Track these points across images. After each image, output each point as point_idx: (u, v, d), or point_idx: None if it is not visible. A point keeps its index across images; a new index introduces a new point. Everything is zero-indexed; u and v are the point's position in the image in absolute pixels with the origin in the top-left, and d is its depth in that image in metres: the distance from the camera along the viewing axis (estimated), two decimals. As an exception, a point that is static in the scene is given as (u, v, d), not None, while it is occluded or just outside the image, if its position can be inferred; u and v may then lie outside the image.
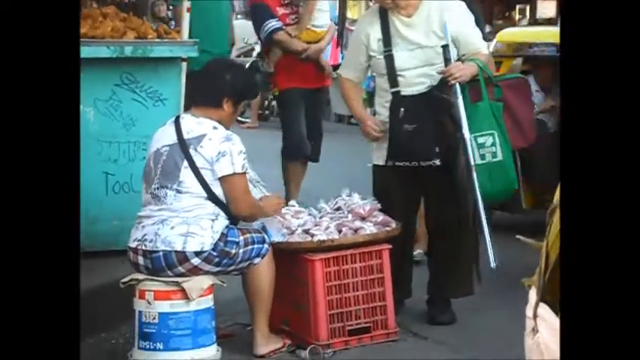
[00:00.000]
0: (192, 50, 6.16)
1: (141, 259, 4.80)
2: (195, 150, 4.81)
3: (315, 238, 5.07)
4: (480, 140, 5.28)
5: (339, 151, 8.82)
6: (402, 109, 5.29)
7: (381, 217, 5.26)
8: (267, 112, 15.43)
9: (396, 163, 5.36)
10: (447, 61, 5.23)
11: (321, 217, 5.29)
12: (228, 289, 5.01)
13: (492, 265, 5.14)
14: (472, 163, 5.19)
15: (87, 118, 5.87)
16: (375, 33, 5.39)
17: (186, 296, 4.71)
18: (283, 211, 5.27)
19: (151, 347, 4.72)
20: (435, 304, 5.56)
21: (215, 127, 4.87)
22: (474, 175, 5.19)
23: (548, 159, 6.61)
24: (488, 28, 8.83)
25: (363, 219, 5.22)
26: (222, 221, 4.83)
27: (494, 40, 7.68)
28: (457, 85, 5.22)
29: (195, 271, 4.76)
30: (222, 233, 4.81)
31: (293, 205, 5.43)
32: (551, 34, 7.70)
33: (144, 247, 4.78)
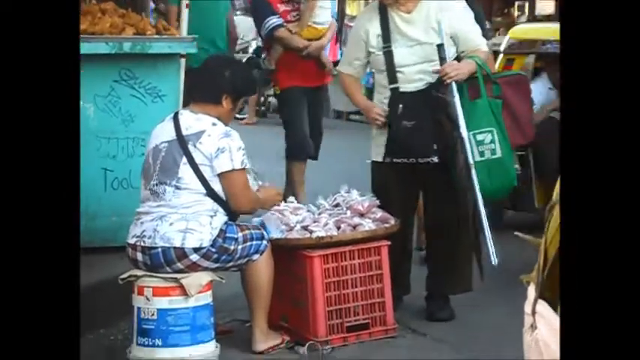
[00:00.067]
0: (190, 46, 6.16)
1: (139, 256, 4.80)
2: (194, 146, 4.81)
3: (314, 235, 5.07)
4: (479, 137, 5.28)
5: (338, 147, 8.82)
6: (401, 106, 5.30)
7: (379, 213, 5.26)
8: (263, 107, 15.42)
9: (394, 160, 5.37)
10: (442, 60, 5.23)
11: (319, 214, 5.29)
12: (227, 285, 5.02)
13: (493, 262, 5.15)
14: (471, 161, 5.19)
15: (86, 114, 5.87)
16: (375, 29, 5.39)
17: (184, 292, 4.71)
18: (282, 207, 5.28)
19: (150, 343, 4.72)
20: (434, 300, 5.56)
21: (214, 124, 4.87)
22: (474, 173, 5.19)
23: None
24: (487, 25, 8.80)
25: (361, 215, 5.22)
26: (221, 217, 4.84)
27: (507, 37, 7.64)
28: (453, 84, 5.22)
29: (194, 267, 4.76)
30: (221, 229, 4.81)
31: (292, 202, 5.43)
32: None
33: (142, 244, 4.78)
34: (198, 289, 4.74)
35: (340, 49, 11.67)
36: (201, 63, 5.44)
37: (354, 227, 5.15)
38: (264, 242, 4.93)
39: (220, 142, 4.81)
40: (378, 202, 5.32)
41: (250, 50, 13.86)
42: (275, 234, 5.05)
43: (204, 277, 4.78)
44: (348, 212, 5.25)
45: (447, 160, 5.25)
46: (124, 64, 5.97)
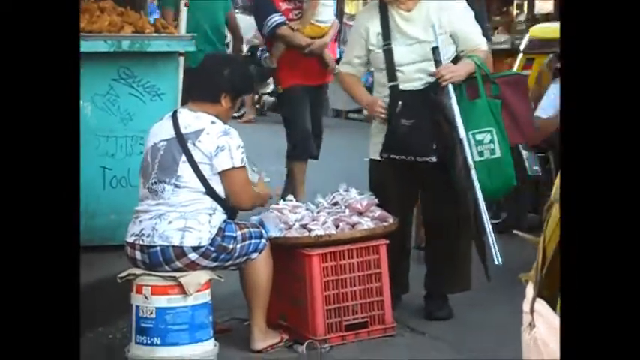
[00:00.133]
0: (189, 45, 6.17)
1: (138, 254, 4.80)
2: (194, 144, 4.81)
3: (313, 233, 5.08)
4: (479, 137, 5.28)
5: (337, 146, 8.83)
6: (400, 103, 5.29)
7: (378, 212, 5.26)
8: (257, 105, 15.40)
9: (392, 156, 5.36)
10: (437, 62, 5.22)
11: (318, 212, 5.29)
12: (226, 283, 5.02)
13: (496, 262, 5.14)
14: (470, 162, 5.19)
15: (84, 112, 5.88)
16: (375, 27, 5.39)
17: (183, 291, 4.71)
18: (281, 206, 5.28)
19: (148, 342, 4.72)
20: (433, 299, 5.57)
21: (213, 122, 4.87)
22: (473, 174, 5.18)
23: None
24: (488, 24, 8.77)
25: (360, 214, 5.23)
26: (220, 216, 4.84)
27: (526, 36, 7.61)
28: (450, 86, 5.21)
29: (193, 265, 4.76)
30: (220, 228, 4.81)
31: (290, 200, 5.43)
32: None
33: (141, 242, 4.79)
34: (197, 288, 4.74)
35: (339, 48, 11.66)
36: (197, 62, 5.45)
37: (353, 226, 5.15)
38: (263, 241, 4.93)
39: (219, 140, 4.81)
40: (376, 200, 5.33)
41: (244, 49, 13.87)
42: (274, 232, 5.06)
43: (202, 276, 4.78)
44: (347, 211, 5.25)
45: (446, 161, 5.25)
46: (123, 62, 5.97)
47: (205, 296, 4.80)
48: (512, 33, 13.98)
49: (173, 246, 4.73)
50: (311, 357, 4.92)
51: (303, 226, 5.13)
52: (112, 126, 5.97)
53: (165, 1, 7.65)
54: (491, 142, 5.30)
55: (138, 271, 4.80)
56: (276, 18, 7.13)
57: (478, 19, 5.66)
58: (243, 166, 4.90)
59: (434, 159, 5.28)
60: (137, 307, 4.76)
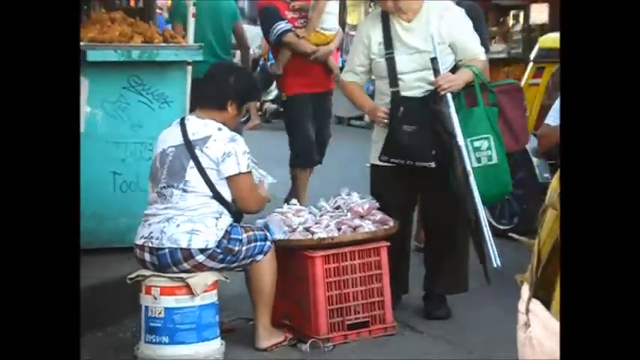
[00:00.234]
0: (197, 54, 6.18)
1: (147, 256, 4.81)
2: (201, 150, 4.81)
3: (316, 236, 5.08)
4: (476, 144, 5.28)
5: (339, 151, 8.84)
6: (402, 109, 5.29)
7: (379, 215, 5.26)
8: (259, 112, 15.39)
9: (391, 160, 5.34)
10: (435, 72, 5.21)
11: (321, 216, 5.29)
12: (232, 285, 5.02)
13: (495, 264, 5.14)
14: (469, 168, 5.19)
15: (95, 119, 5.89)
16: (377, 36, 5.39)
17: (191, 292, 4.72)
18: (285, 209, 5.29)
19: (157, 341, 4.73)
20: (431, 299, 5.56)
21: (220, 129, 4.88)
22: (472, 179, 5.18)
23: None
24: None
25: (361, 217, 5.23)
26: (226, 219, 4.84)
27: (537, 46, 7.58)
28: (448, 95, 5.21)
29: (200, 267, 4.77)
30: (226, 231, 4.81)
31: (294, 204, 5.43)
32: None
33: (150, 244, 4.79)
34: (204, 289, 4.74)
35: (342, 57, 11.66)
36: (202, 72, 5.46)
37: (355, 229, 5.15)
38: (268, 243, 4.93)
39: (226, 146, 4.82)
40: (377, 204, 5.32)
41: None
42: (278, 235, 5.06)
43: (209, 277, 4.79)
44: (349, 214, 5.25)
45: (446, 167, 5.25)
46: (133, 71, 5.98)
47: (212, 297, 4.81)
48: (509, 42, 14.00)
49: (181, 248, 4.73)
50: (314, 355, 4.92)
51: (307, 229, 5.13)
52: (122, 132, 5.98)
53: (175, 16, 7.66)
54: (489, 148, 5.29)
55: (147, 272, 4.80)
56: (282, 25, 7.11)
57: (477, 28, 5.66)
58: (249, 171, 4.91)
59: (432, 164, 5.27)
60: (146, 307, 4.77)
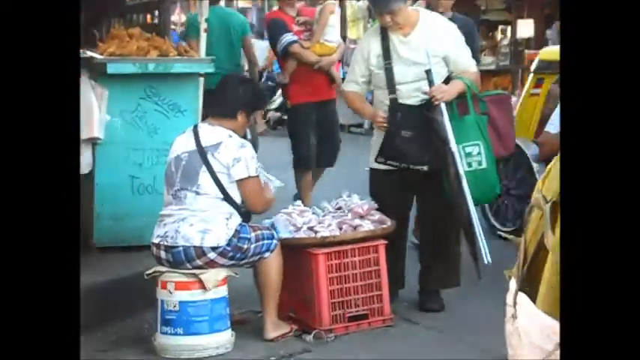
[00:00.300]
0: (208, 67, 6.19)
1: (163, 254, 4.81)
2: (213, 156, 4.82)
3: (319, 235, 5.08)
4: (468, 150, 5.28)
5: (340, 156, 8.79)
6: (399, 114, 5.29)
7: (377, 215, 5.26)
8: (264, 120, 15.32)
9: (388, 162, 5.33)
10: (430, 83, 5.22)
11: (324, 216, 5.30)
12: (241, 280, 5.03)
13: (485, 261, 5.14)
14: (462, 172, 5.19)
15: (115, 127, 5.90)
16: (375, 49, 5.39)
17: (203, 286, 4.72)
18: (290, 210, 5.29)
19: (172, 332, 4.73)
20: (426, 293, 5.56)
21: (230, 136, 4.88)
22: (464, 182, 5.18)
23: None
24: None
25: (361, 217, 5.23)
26: (236, 219, 4.85)
27: (537, 58, 7.55)
28: (442, 105, 5.21)
29: (212, 264, 4.77)
30: (236, 230, 4.82)
31: (299, 205, 5.44)
32: None
33: (166, 243, 4.79)
34: (216, 284, 4.75)
35: (342, 68, 11.64)
36: (213, 83, 5.46)
37: (355, 228, 5.16)
38: (274, 242, 4.93)
39: (236, 152, 4.83)
40: (376, 205, 5.32)
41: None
42: (284, 234, 5.06)
43: (220, 273, 4.79)
44: (350, 214, 5.25)
45: (440, 171, 5.25)
46: (149, 82, 5.99)
47: (223, 291, 4.81)
48: (497, 55, 13.98)
49: (194, 246, 4.73)
50: (317, 345, 4.92)
51: (310, 229, 5.14)
52: (139, 139, 5.98)
53: (190, 32, 7.68)
54: (479, 154, 5.29)
55: (163, 268, 4.81)
56: (288, 37, 7.11)
57: (471, 42, 5.68)
58: (257, 175, 4.92)
59: (425, 168, 5.27)
60: (162, 301, 4.77)
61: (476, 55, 5.98)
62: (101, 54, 5.99)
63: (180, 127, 5.40)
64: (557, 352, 1.73)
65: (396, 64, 5.32)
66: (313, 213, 5.33)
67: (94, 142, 5.84)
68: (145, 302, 5.17)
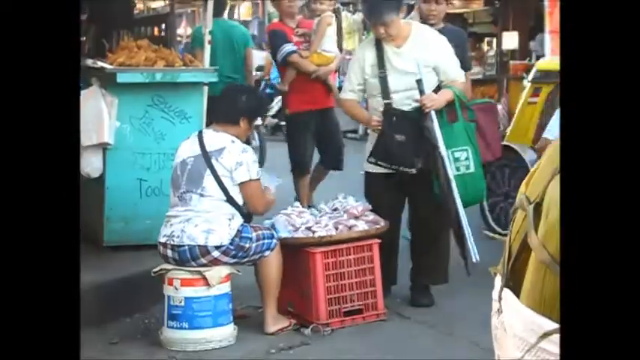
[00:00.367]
0: (212, 76, 6.19)
1: (169, 252, 4.81)
2: (217, 160, 4.82)
3: (316, 234, 5.08)
4: (456, 155, 5.28)
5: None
6: (394, 118, 5.29)
7: (371, 216, 5.27)
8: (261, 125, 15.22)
9: (379, 163, 5.31)
10: (421, 92, 5.23)
11: (321, 217, 5.29)
12: (243, 277, 5.03)
13: (474, 259, 5.14)
14: (451, 175, 5.19)
15: (124, 133, 5.90)
16: (370, 59, 5.39)
17: (207, 283, 4.72)
18: (289, 211, 5.29)
19: (178, 326, 4.74)
20: (417, 289, 5.56)
21: (233, 141, 4.89)
22: (454, 185, 5.19)
23: None
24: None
25: (356, 218, 5.23)
26: (238, 220, 4.85)
27: (535, 69, 7.52)
28: (432, 112, 5.22)
29: (215, 262, 4.77)
30: (238, 230, 4.82)
31: (297, 207, 5.44)
32: None
33: (172, 242, 4.79)
34: (219, 281, 4.75)
35: (338, 78, 11.63)
36: (217, 91, 5.45)
37: (350, 228, 5.16)
38: (274, 241, 4.94)
39: (239, 156, 4.83)
40: (370, 206, 5.33)
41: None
42: (283, 234, 5.06)
43: (223, 271, 4.79)
44: (345, 215, 5.25)
45: (430, 174, 5.25)
46: (157, 91, 5.98)
47: (226, 287, 4.81)
48: (484, 65, 13.99)
49: (199, 245, 4.73)
50: (315, 339, 4.92)
51: (308, 229, 5.14)
52: (147, 144, 5.98)
53: (195, 45, 7.67)
54: (467, 159, 5.30)
55: (169, 266, 4.81)
56: (288, 47, 7.08)
57: (461, 51, 5.69)
58: (258, 178, 4.92)
59: (414, 170, 5.27)
60: (168, 297, 4.77)
61: (468, 64, 6.01)
62: (111, 64, 5.99)
63: (186, 133, 5.40)
64: (540, 345, 1.73)
65: (390, 74, 5.33)
66: (311, 214, 5.33)
67: (104, 147, 5.84)
68: (152, 298, 5.17)
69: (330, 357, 4.68)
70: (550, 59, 7.82)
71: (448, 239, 5.47)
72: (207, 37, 6.41)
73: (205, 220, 4.77)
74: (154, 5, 11.48)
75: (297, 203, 5.63)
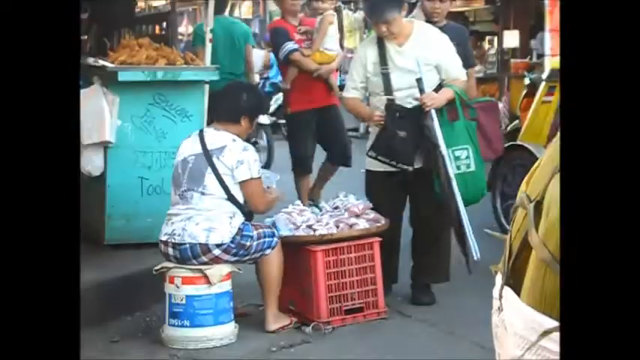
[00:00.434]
0: (213, 74, 6.19)
1: (170, 250, 4.81)
2: (218, 159, 4.82)
3: (317, 233, 5.08)
4: (457, 154, 5.28)
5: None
6: (397, 114, 5.29)
7: (372, 214, 5.27)
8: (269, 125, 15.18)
9: (378, 157, 5.30)
10: (420, 91, 5.23)
11: (322, 215, 5.30)
12: (244, 275, 5.03)
13: (475, 257, 5.14)
14: (452, 174, 5.19)
15: (125, 131, 5.90)
16: (372, 57, 5.39)
17: (208, 281, 4.73)
18: (290, 209, 5.29)
19: (179, 324, 4.74)
20: (418, 288, 5.56)
21: (234, 140, 4.89)
22: (454, 184, 5.19)
23: None
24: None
25: (357, 216, 5.23)
26: (239, 218, 4.85)
27: (549, 68, 7.47)
28: (432, 111, 5.22)
29: (216, 260, 4.77)
30: (239, 228, 4.82)
31: (298, 205, 5.44)
32: None
33: (173, 240, 4.80)
34: (220, 279, 4.75)
35: (340, 76, 11.62)
36: (218, 88, 5.44)
37: (351, 226, 5.16)
38: (275, 239, 4.94)
39: (240, 155, 4.83)
40: (371, 205, 5.33)
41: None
42: (284, 232, 5.06)
43: (224, 269, 4.80)
44: (346, 213, 5.26)
45: (431, 173, 5.25)
46: (158, 89, 5.99)
47: (227, 285, 4.82)
48: (484, 64, 14.00)
49: (200, 244, 4.74)
50: (316, 337, 4.92)
51: (309, 227, 5.14)
52: (148, 143, 5.98)
53: (196, 43, 7.66)
54: (467, 157, 5.30)
55: (170, 264, 4.81)
56: (290, 45, 7.06)
57: (464, 48, 5.70)
58: (259, 177, 4.92)
59: (411, 168, 5.27)
60: (170, 295, 4.78)
61: (471, 61, 6.02)
62: (112, 63, 5.99)
63: (187, 131, 5.40)
64: (540, 343, 1.73)
65: (392, 72, 5.33)
66: (312, 212, 5.33)
67: (105, 145, 5.84)
68: (153, 296, 5.18)
69: (330, 355, 4.68)
70: None
71: (449, 238, 5.47)
72: (209, 36, 6.41)
73: (206, 219, 4.77)
74: (155, 4, 11.50)
75: (298, 202, 5.63)
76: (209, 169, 4.81)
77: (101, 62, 6.01)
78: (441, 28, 5.66)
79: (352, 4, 18.10)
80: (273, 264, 4.93)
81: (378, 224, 5.23)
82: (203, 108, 6.11)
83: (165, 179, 5.75)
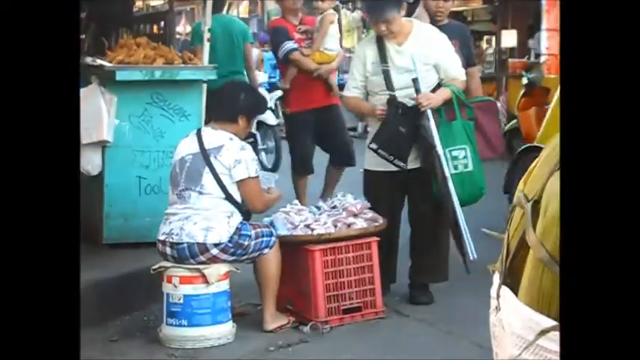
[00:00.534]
0: (211, 74, 6.18)
1: (168, 250, 4.82)
2: (215, 158, 4.83)
3: (315, 232, 5.09)
4: (454, 153, 5.28)
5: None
6: (399, 110, 5.29)
7: (370, 214, 5.27)
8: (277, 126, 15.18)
9: (380, 150, 5.30)
10: (417, 91, 5.24)
11: (320, 214, 5.30)
12: (242, 275, 5.03)
13: (471, 257, 5.15)
14: (447, 174, 5.20)
15: (123, 131, 5.90)
16: (371, 57, 5.40)
17: (206, 281, 4.73)
18: (288, 209, 5.29)
19: (177, 324, 4.74)
20: (416, 287, 5.56)
21: (231, 139, 4.89)
22: (450, 184, 5.19)
23: None
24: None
25: (355, 216, 5.23)
26: (237, 218, 4.85)
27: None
28: (428, 111, 5.23)
29: (214, 259, 4.78)
30: (237, 228, 4.82)
31: (296, 204, 5.44)
32: None
33: (171, 240, 4.80)
34: (218, 278, 4.75)
35: (338, 76, 11.62)
36: (216, 86, 5.44)
37: (349, 226, 5.16)
38: (273, 239, 4.94)
39: (237, 154, 4.84)
40: (369, 204, 5.33)
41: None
42: (282, 231, 5.07)
43: (222, 268, 4.80)
44: (344, 213, 5.26)
45: (429, 173, 5.26)
46: (156, 88, 5.99)
47: (225, 285, 4.82)
48: (482, 63, 14.02)
49: (198, 243, 4.74)
50: (314, 336, 4.92)
51: (307, 226, 5.14)
52: (146, 142, 5.98)
53: (194, 42, 7.66)
54: (465, 157, 5.30)
55: (168, 264, 4.81)
56: (289, 45, 7.03)
57: (465, 46, 5.72)
58: (257, 176, 4.92)
59: (406, 166, 5.28)
60: (167, 294, 4.78)
61: (472, 59, 6.03)
62: (110, 62, 5.99)
63: (185, 130, 5.40)
64: (537, 342, 1.74)
65: (392, 71, 5.33)
66: (310, 212, 5.33)
67: (103, 145, 5.84)
68: (151, 296, 5.17)
69: (328, 355, 4.68)
70: None
71: (448, 238, 5.47)
72: (207, 35, 6.41)
73: (204, 218, 4.78)
74: (153, 3, 11.51)
75: (296, 201, 5.63)
76: (207, 169, 4.82)
77: (99, 61, 6.01)
78: (443, 27, 5.66)
79: (350, 3, 18.11)
80: (271, 263, 4.93)
81: (376, 224, 5.23)
82: (201, 107, 6.11)
83: (163, 178, 5.74)
